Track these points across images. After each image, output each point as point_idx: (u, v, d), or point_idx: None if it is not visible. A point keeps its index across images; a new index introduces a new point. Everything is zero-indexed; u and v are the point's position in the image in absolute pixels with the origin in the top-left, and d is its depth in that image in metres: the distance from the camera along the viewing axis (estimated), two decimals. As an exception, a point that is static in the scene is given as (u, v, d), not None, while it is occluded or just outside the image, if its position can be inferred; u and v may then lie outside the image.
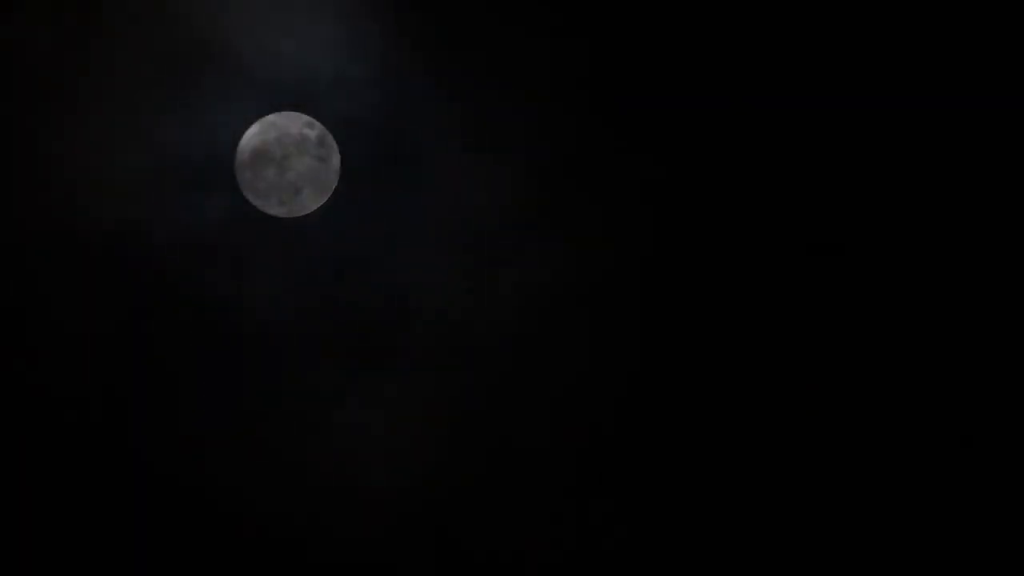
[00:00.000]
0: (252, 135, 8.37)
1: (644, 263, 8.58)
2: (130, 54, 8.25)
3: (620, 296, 8.60)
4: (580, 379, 8.61)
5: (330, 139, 8.45)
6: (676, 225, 8.57)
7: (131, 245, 8.38)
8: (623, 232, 8.57)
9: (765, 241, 8.57)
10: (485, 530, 8.56)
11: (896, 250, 8.54)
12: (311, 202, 8.49)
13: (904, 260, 8.54)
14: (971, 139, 8.53)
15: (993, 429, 8.61)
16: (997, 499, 8.57)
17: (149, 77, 8.32)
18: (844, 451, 8.54)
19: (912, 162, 8.52)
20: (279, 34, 8.35)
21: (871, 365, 8.55)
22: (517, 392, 8.59)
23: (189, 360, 8.41)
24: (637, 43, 8.48)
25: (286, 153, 8.38)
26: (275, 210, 8.46)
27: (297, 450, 8.52)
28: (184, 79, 8.30)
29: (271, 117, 8.40)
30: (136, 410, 8.38)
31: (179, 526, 8.39)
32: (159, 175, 8.38)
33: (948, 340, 8.56)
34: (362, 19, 8.38)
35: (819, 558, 8.53)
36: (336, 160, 8.48)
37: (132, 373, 8.37)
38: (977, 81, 8.48)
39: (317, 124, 8.43)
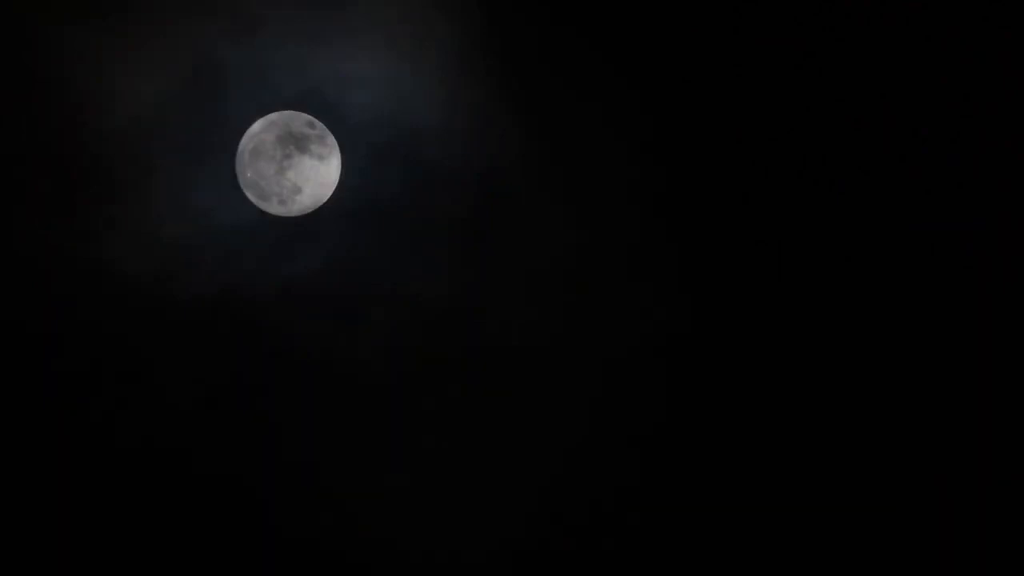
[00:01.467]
0: (253, 134, 8.34)
1: (735, 310, 8.61)
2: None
3: (715, 342, 8.65)
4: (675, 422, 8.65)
5: (331, 138, 8.42)
6: (773, 271, 8.62)
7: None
8: (714, 281, 8.62)
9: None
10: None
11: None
12: (312, 201, 8.44)
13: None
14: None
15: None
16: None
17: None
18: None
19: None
20: (278, 32, 8.36)
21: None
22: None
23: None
24: (718, 106, 8.58)
25: (287, 152, 8.34)
26: (275, 209, 8.41)
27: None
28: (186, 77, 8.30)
29: (272, 116, 8.37)
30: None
31: None
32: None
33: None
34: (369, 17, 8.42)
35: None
36: (337, 159, 8.44)
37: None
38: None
39: (318, 123, 8.40)
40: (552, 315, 8.61)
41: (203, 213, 8.34)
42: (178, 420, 8.40)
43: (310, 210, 8.44)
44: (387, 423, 8.56)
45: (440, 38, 8.45)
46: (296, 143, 8.34)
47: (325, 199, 8.44)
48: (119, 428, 8.36)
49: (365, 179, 8.50)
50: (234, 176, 8.33)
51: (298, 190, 8.38)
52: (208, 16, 8.28)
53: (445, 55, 8.47)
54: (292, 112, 8.38)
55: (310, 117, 8.40)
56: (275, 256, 8.43)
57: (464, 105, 8.48)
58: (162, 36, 8.23)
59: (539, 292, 8.61)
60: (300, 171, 8.37)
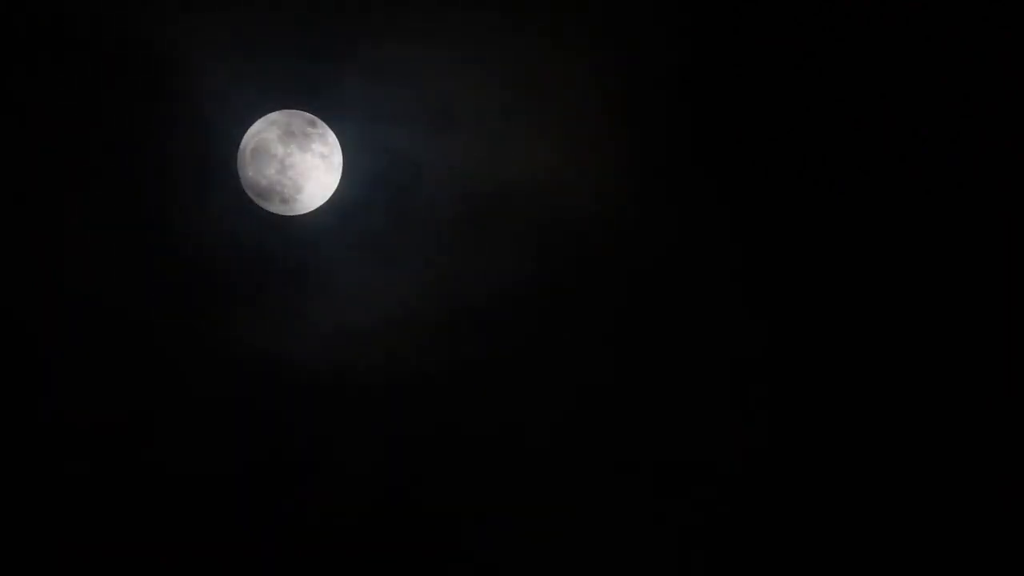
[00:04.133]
0: (254, 133, 8.39)
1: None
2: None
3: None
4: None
5: (332, 137, 8.46)
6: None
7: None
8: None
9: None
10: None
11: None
12: (313, 200, 8.48)
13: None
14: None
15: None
16: None
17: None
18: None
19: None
20: (278, 30, 8.41)
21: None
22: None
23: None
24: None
25: (288, 151, 8.38)
26: (276, 208, 8.46)
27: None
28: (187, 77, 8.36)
29: (273, 115, 8.41)
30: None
31: None
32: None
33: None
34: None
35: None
36: (338, 158, 8.48)
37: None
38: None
39: (319, 122, 8.44)
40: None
41: (383, 302, 8.55)
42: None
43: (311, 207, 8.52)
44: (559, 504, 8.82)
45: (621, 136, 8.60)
46: (298, 142, 8.40)
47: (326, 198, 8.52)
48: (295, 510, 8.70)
49: (541, 267, 8.69)
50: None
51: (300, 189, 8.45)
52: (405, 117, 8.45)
53: (625, 151, 8.60)
54: (293, 111, 8.43)
55: (312, 116, 8.45)
56: (445, 340, 8.65)
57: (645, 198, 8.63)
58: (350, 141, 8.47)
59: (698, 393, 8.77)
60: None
